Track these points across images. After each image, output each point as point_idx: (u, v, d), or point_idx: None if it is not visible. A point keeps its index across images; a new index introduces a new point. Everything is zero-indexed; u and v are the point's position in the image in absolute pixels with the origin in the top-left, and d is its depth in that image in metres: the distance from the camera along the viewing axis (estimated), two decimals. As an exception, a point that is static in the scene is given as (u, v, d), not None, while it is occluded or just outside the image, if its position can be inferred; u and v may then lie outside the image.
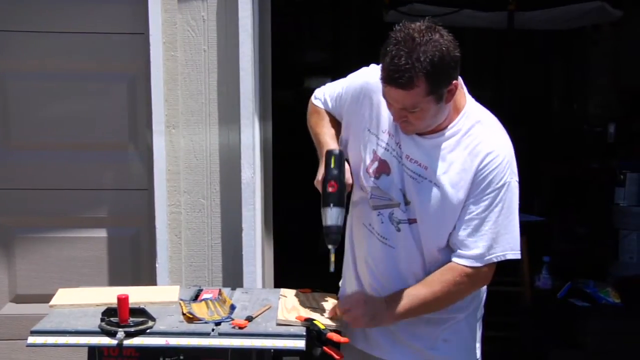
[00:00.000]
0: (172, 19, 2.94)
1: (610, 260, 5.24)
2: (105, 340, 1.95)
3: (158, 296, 2.26)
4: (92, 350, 1.99)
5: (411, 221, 2.03)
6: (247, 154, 2.94)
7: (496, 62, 7.37)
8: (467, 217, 1.98)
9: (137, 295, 2.17)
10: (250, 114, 2.94)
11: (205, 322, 2.03)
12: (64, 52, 3.01)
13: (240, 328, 1.99)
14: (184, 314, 2.08)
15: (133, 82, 3.04)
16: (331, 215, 1.99)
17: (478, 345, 2.22)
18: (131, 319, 1.97)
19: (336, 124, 2.20)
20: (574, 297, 4.24)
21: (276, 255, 3.20)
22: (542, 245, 4.95)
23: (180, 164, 2.99)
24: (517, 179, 2.01)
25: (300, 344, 1.95)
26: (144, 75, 2.99)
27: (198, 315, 2.06)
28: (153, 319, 2.01)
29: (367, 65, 2.14)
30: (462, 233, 1.99)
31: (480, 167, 1.96)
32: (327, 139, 2.15)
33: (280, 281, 2.63)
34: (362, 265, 2.18)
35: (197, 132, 2.98)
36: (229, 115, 2.97)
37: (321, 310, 2.13)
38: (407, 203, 2.03)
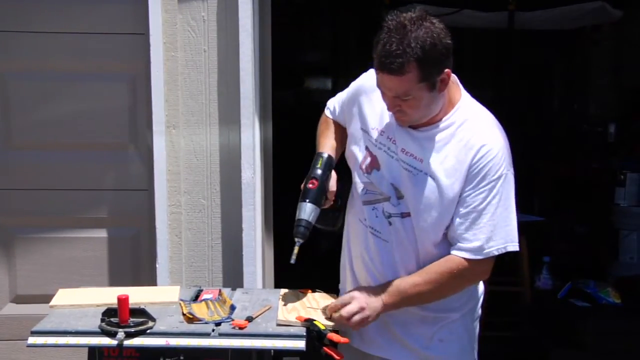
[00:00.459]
0: (172, 19, 2.94)
1: (610, 260, 5.25)
2: (105, 341, 1.95)
3: (158, 296, 2.26)
4: (93, 350, 1.99)
5: (404, 215, 2.05)
6: (247, 154, 2.94)
7: (496, 62, 7.37)
8: (464, 211, 1.99)
9: (138, 295, 2.17)
10: (251, 114, 2.94)
11: (206, 323, 2.03)
12: (64, 52, 3.01)
13: (241, 328, 1.99)
14: (184, 315, 2.08)
15: (133, 82, 3.04)
16: (304, 210, 2.06)
17: (475, 345, 2.22)
18: (131, 319, 1.97)
19: (344, 135, 2.25)
20: (574, 297, 4.25)
21: (276, 255, 3.20)
22: (542, 245, 4.96)
23: (180, 164, 2.99)
24: (513, 172, 2.02)
25: (300, 344, 1.95)
26: (144, 75, 2.99)
27: (198, 315, 2.06)
28: (153, 320, 2.01)
29: (367, 65, 2.15)
30: (461, 227, 2.00)
31: (475, 159, 1.96)
32: (324, 146, 2.22)
33: (280, 281, 2.63)
34: (358, 261, 2.20)
35: (198, 133, 2.98)
36: (229, 116, 2.97)
37: (321, 311, 2.13)
38: (399, 197, 2.04)
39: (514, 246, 2.02)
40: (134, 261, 3.13)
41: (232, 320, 2.04)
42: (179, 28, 2.95)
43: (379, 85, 1.96)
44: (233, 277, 3.00)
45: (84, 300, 2.20)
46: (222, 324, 2.02)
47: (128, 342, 1.94)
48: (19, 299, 3.14)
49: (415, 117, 1.98)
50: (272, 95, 3.12)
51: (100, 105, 3.05)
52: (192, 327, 2.01)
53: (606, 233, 5.34)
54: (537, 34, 6.57)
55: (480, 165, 1.96)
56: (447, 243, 2.05)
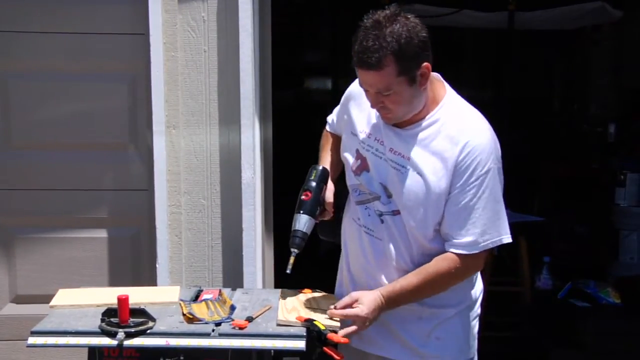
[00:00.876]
0: (172, 19, 2.94)
1: (610, 260, 5.25)
2: (105, 341, 1.95)
3: (158, 297, 2.26)
4: (93, 350, 1.99)
5: (395, 212, 2.08)
6: (248, 154, 2.95)
7: (496, 62, 7.37)
8: (456, 208, 2.01)
9: (138, 295, 2.17)
10: (251, 114, 2.94)
11: (206, 323, 2.03)
12: (64, 52, 3.01)
13: (241, 328, 1.99)
14: (184, 315, 2.08)
15: (133, 82, 3.04)
16: (299, 221, 2.14)
17: (473, 343, 2.23)
18: (131, 319, 1.97)
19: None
20: (574, 298, 4.24)
21: (276, 256, 3.20)
22: (543, 246, 4.96)
23: (180, 165, 2.99)
24: (500, 165, 2.05)
25: (301, 344, 1.95)
26: (144, 75, 2.99)
27: (198, 315, 2.06)
28: (153, 320, 2.01)
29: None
30: (454, 224, 2.02)
31: (462, 156, 1.98)
32: (322, 160, 2.31)
33: (280, 281, 2.62)
34: (354, 261, 2.23)
35: (198, 133, 2.98)
36: (229, 116, 2.97)
37: (321, 311, 2.13)
38: (389, 195, 2.08)
39: (507, 238, 2.06)
40: (134, 261, 3.13)
41: (232, 320, 2.03)
42: (179, 28, 2.95)
43: (360, 83, 2.01)
44: (233, 277, 3.00)
45: (84, 300, 2.20)
46: (222, 324, 2.02)
47: (128, 342, 1.94)
48: (19, 299, 3.14)
49: (399, 114, 2.01)
50: (272, 96, 3.12)
51: (100, 105, 3.05)
52: (192, 327, 2.01)
53: (606, 233, 5.34)
54: (537, 34, 6.58)
55: (468, 162, 1.98)
56: (440, 238, 2.07)
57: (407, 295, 2.05)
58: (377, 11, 1.95)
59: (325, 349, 1.96)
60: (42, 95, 3.05)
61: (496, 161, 2.02)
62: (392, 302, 2.05)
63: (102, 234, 3.12)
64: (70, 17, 2.99)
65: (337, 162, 2.29)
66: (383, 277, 2.14)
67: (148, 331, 1.97)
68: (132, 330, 1.95)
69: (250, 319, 2.05)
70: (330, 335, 1.97)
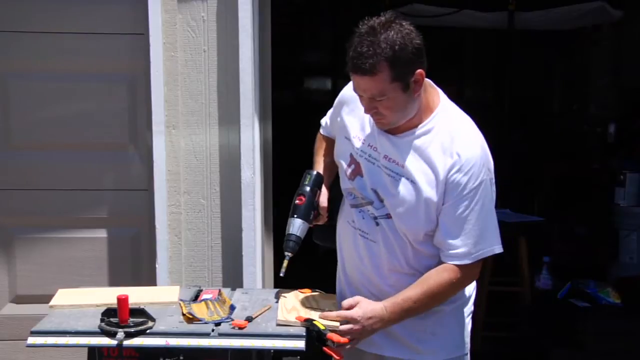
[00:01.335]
0: (172, 19, 2.94)
1: (610, 260, 5.25)
2: (105, 341, 1.95)
3: (158, 296, 2.26)
4: (92, 350, 1.99)
5: (388, 216, 2.11)
6: (247, 154, 2.95)
7: (496, 62, 7.37)
8: (449, 219, 2.03)
9: (137, 295, 2.17)
10: (250, 114, 2.94)
11: (205, 323, 2.03)
12: (64, 52, 3.01)
13: (240, 328, 1.99)
14: (183, 315, 2.08)
15: (133, 82, 3.04)
16: (293, 225, 2.17)
17: (467, 340, 2.25)
18: (131, 319, 1.97)
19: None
20: (574, 298, 4.24)
21: (276, 256, 3.20)
22: (542, 246, 4.95)
23: (180, 165, 2.99)
24: (493, 177, 2.07)
25: (300, 344, 1.95)
26: (144, 75, 2.99)
27: (198, 315, 2.06)
28: (153, 320, 2.01)
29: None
30: (448, 234, 2.05)
31: (455, 169, 2.00)
32: (315, 164, 2.34)
33: (280, 281, 2.62)
34: (349, 263, 2.25)
35: (197, 133, 2.98)
36: (229, 116, 2.97)
37: (321, 311, 2.13)
38: (381, 201, 2.10)
39: (499, 248, 2.10)
40: (133, 261, 3.13)
41: (232, 320, 2.04)
42: (178, 28, 2.95)
43: (355, 89, 2.02)
44: (233, 277, 3.00)
45: (84, 300, 2.20)
46: (222, 324, 2.02)
47: (128, 342, 1.94)
48: (18, 299, 3.14)
49: (393, 119, 2.03)
50: (272, 96, 3.12)
51: (100, 105, 3.05)
52: (192, 327, 2.01)
53: (606, 233, 5.34)
54: (537, 34, 6.58)
55: (460, 175, 2.00)
56: (430, 241, 2.10)
57: (410, 305, 2.05)
58: (373, 17, 1.96)
59: (325, 348, 1.96)
60: (42, 95, 3.05)
61: (488, 173, 2.05)
62: (395, 313, 2.05)
63: (102, 234, 3.12)
64: (70, 17, 2.99)
65: (331, 166, 2.31)
66: (378, 279, 2.16)
67: (148, 331, 1.97)
68: (132, 330, 1.95)
69: (250, 319, 2.05)
70: (330, 335, 1.97)
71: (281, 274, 2.16)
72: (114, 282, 3.08)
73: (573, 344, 4.05)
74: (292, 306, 2.16)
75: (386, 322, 2.05)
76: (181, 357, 1.96)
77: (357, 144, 2.14)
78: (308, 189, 2.20)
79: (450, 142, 2.02)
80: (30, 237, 3.11)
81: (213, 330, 1.99)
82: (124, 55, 3.03)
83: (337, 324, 2.04)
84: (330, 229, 2.28)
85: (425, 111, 2.06)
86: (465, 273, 2.07)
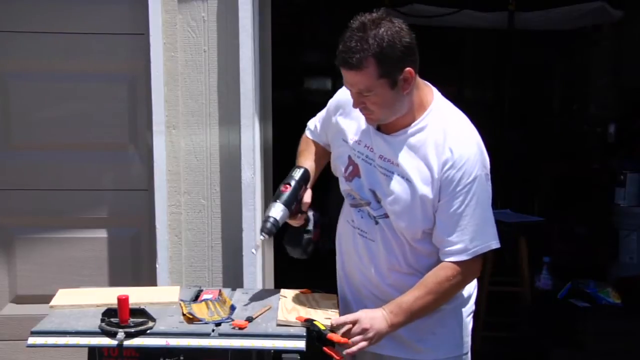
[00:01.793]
0: (172, 19, 2.94)
1: (610, 260, 5.25)
2: (105, 341, 1.95)
3: (158, 297, 2.26)
4: (93, 350, 1.99)
5: (386, 216, 2.12)
6: (248, 154, 2.95)
7: (496, 62, 7.37)
8: (445, 216, 2.04)
9: (137, 295, 2.17)
10: (251, 114, 2.94)
11: (206, 323, 2.03)
12: (64, 52, 3.01)
13: (241, 329, 1.99)
14: (184, 315, 2.09)
15: (133, 82, 3.04)
16: (274, 208, 2.15)
17: (467, 339, 2.25)
18: (131, 319, 1.97)
19: (322, 155, 2.35)
20: (574, 298, 4.24)
21: (276, 255, 3.20)
22: (542, 246, 4.96)
23: (180, 165, 2.99)
24: (488, 172, 2.07)
25: (300, 344, 1.95)
26: (144, 75, 2.99)
27: (198, 315, 2.06)
28: (153, 320, 2.01)
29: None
30: (444, 231, 2.05)
31: (448, 165, 2.01)
32: (302, 163, 2.32)
33: (280, 281, 2.63)
34: (349, 263, 2.26)
35: (198, 133, 2.98)
36: (229, 116, 2.97)
37: (321, 311, 2.13)
38: (378, 201, 2.12)
39: (496, 244, 2.09)
40: (133, 261, 3.13)
41: (232, 320, 2.04)
42: (179, 28, 2.95)
43: (344, 83, 2.05)
44: (233, 277, 3.00)
45: (84, 300, 2.20)
46: (222, 324, 2.02)
47: (128, 342, 1.94)
48: (19, 299, 3.14)
49: (381, 116, 2.04)
50: (272, 96, 3.12)
51: (100, 105, 3.05)
52: (192, 328, 2.01)
53: (606, 233, 5.34)
54: (537, 34, 6.58)
55: (454, 171, 2.01)
56: (429, 239, 2.10)
57: (412, 306, 2.05)
58: (365, 14, 1.99)
59: (325, 348, 1.96)
60: (42, 95, 3.05)
61: (483, 168, 2.05)
62: (398, 315, 2.04)
63: (102, 234, 3.12)
64: (70, 17, 2.99)
65: (316, 169, 2.32)
66: (377, 278, 2.17)
67: (148, 331, 1.97)
68: (132, 330, 1.95)
69: (250, 319, 2.05)
70: (331, 335, 1.97)
71: (252, 251, 2.15)
72: (114, 282, 3.08)
73: (573, 344, 4.05)
74: (292, 306, 2.16)
75: (392, 324, 2.04)
76: (181, 357, 1.96)
77: (355, 145, 2.16)
78: (294, 181, 2.20)
79: (443, 138, 2.03)
80: (30, 237, 3.11)
81: (213, 330, 1.99)
82: (124, 56, 3.03)
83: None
84: (299, 236, 2.27)
85: (418, 109, 2.07)
86: (465, 270, 2.07)
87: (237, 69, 2.92)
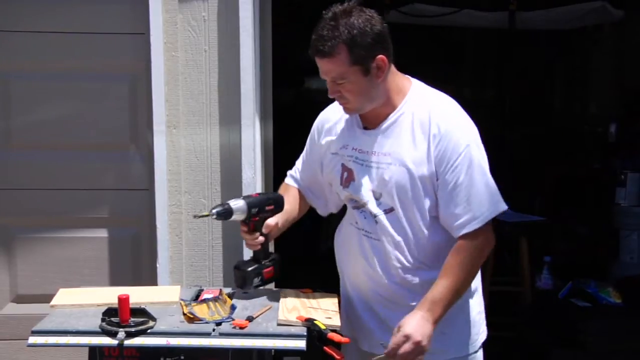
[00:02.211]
0: (172, 19, 2.94)
1: (611, 260, 5.24)
2: (106, 340, 1.95)
3: (159, 296, 2.26)
4: (93, 350, 1.99)
5: (387, 211, 2.12)
6: (248, 154, 2.95)
7: (497, 62, 7.37)
8: (446, 191, 2.05)
9: (138, 295, 2.17)
10: (251, 114, 2.94)
11: (206, 322, 2.03)
12: (65, 52, 3.01)
13: (241, 328, 1.99)
14: (184, 314, 2.08)
15: (134, 82, 3.04)
16: (236, 201, 2.15)
17: (477, 337, 2.25)
18: (132, 319, 1.96)
19: (297, 206, 2.37)
20: (575, 297, 4.23)
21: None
22: (543, 245, 4.95)
23: (181, 164, 2.99)
24: (477, 138, 2.08)
25: (301, 344, 1.95)
26: (144, 75, 2.99)
27: (199, 315, 2.06)
28: (154, 319, 2.01)
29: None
30: (449, 206, 2.05)
31: (436, 141, 2.03)
32: None
33: (281, 281, 2.62)
34: (355, 267, 2.24)
35: (198, 132, 2.98)
36: (230, 116, 2.97)
37: (322, 310, 2.13)
38: (377, 198, 2.12)
39: (503, 205, 2.10)
40: (134, 261, 3.13)
41: (233, 320, 2.03)
42: (179, 28, 2.95)
43: (320, 73, 2.08)
44: (233, 276, 2.99)
45: (85, 300, 2.20)
46: (223, 323, 2.02)
47: (129, 342, 1.94)
48: (19, 299, 3.14)
49: (357, 104, 2.08)
50: (273, 95, 3.12)
51: (100, 105, 3.05)
52: (193, 327, 2.01)
53: (607, 233, 5.34)
54: (538, 33, 6.58)
55: (444, 146, 2.03)
56: (439, 228, 2.10)
57: (445, 295, 2.02)
58: (338, 5, 2.03)
59: (326, 348, 1.96)
60: (42, 95, 3.05)
61: (471, 135, 2.07)
62: (435, 310, 2.01)
63: (103, 233, 3.12)
64: (70, 17, 2.99)
65: (289, 216, 2.31)
66: (385, 278, 2.16)
67: (148, 331, 1.97)
68: (133, 329, 1.95)
69: (250, 319, 2.05)
70: (331, 335, 1.97)
71: (193, 216, 2.31)
72: (114, 281, 3.08)
73: (574, 344, 4.04)
74: (293, 306, 2.16)
75: (431, 319, 2.01)
76: (182, 357, 1.96)
77: (344, 152, 2.19)
78: (268, 196, 2.24)
79: (428, 117, 2.05)
80: (30, 237, 3.11)
81: (214, 330, 1.99)
82: (124, 55, 3.03)
83: (338, 323, 2.04)
84: (249, 274, 2.25)
85: (397, 97, 2.10)
86: (482, 240, 2.06)
87: (237, 69, 2.92)
